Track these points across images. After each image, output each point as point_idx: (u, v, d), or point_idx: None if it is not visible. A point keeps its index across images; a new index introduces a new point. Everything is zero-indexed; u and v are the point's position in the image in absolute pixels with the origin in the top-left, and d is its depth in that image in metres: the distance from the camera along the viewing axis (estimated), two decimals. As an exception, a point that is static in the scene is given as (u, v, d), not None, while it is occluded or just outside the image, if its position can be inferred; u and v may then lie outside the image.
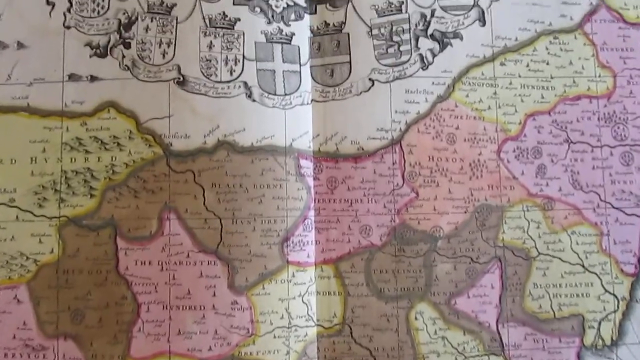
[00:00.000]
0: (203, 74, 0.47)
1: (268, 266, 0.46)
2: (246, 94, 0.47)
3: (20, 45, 0.48)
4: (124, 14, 0.48)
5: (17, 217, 0.46)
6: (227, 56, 0.47)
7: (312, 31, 0.49)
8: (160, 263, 0.45)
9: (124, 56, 0.47)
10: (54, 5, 0.48)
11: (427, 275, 0.47)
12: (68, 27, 0.48)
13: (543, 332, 0.48)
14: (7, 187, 0.47)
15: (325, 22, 0.49)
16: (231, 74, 0.47)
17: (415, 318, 0.47)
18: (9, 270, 0.46)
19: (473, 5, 0.50)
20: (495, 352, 0.47)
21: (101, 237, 0.46)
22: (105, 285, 0.46)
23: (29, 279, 0.46)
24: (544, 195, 0.49)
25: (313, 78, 0.48)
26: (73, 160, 0.47)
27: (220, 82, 0.47)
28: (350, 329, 0.47)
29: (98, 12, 0.48)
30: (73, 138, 0.47)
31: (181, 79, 0.46)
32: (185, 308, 0.45)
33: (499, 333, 0.47)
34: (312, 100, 0.48)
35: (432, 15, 0.49)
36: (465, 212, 0.48)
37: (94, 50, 0.47)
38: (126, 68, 0.47)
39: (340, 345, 0.47)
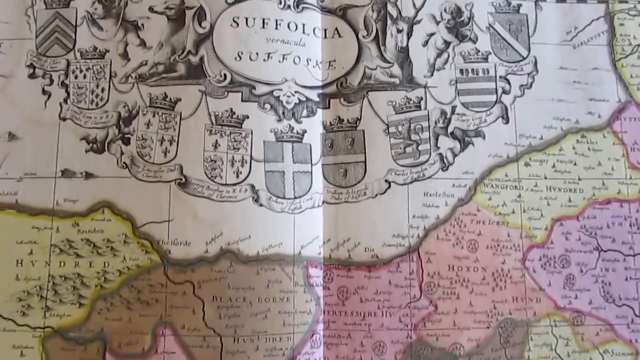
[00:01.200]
0: (207, 175, 0.38)
1: (272, 390, 0.37)
2: (253, 198, 0.38)
3: (11, 136, 0.40)
4: (124, 107, 0.40)
5: (-2, 326, 0.38)
6: (233, 156, 0.38)
7: (324, 127, 0.41)
8: (152, 385, 0.36)
9: (122, 152, 0.39)
10: (50, 95, 0.40)
11: (446, 398, 0.38)
12: (64, 119, 0.40)
13: None
14: (-11, 292, 0.38)
15: (339, 117, 0.41)
16: (237, 176, 0.38)
17: None
18: (-15, 387, 0.37)
19: (496, 102, 0.42)
20: None
21: (89, 352, 0.37)
22: (90, 408, 0.37)
23: (7, 398, 0.37)
24: (573, 308, 0.40)
25: (325, 178, 0.40)
26: (62, 264, 0.38)
27: (225, 184, 0.38)
28: None
29: (97, 104, 0.40)
30: (63, 240, 0.38)
31: (183, 180, 0.38)
32: None
33: None
34: (323, 202, 0.40)
35: (453, 112, 0.41)
36: (488, 328, 0.39)
37: (91, 144, 0.39)
38: (124, 166, 0.39)
39: None
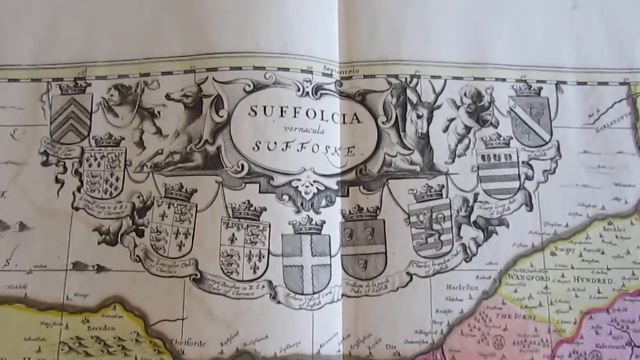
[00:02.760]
0: (223, 271, 0.37)
1: None
2: (270, 294, 0.37)
3: (22, 226, 0.39)
4: (138, 197, 0.39)
5: None
6: (250, 251, 0.37)
7: (343, 216, 0.39)
8: None
9: (135, 245, 0.38)
10: (63, 183, 0.39)
11: None
12: (77, 209, 0.39)
13: None
14: (-7, 392, 0.36)
15: (359, 206, 0.39)
16: (254, 271, 0.37)
17: None
18: None
19: (519, 188, 0.41)
20: None
21: None
22: None
23: None
24: (606, 410, 0.38)
25: (344, 269, 0.39)
26: (71, 364, 0.36)
27: (242, 280, 0.37)
28: None
29: (110, 194, 0.39)
30: (73, 337, 0.37)
31: (198, 275, 0.37)
32: None
33: None
34: (342, 296, 0.38)
35: (475, 199, 0.40)
36: None
37: (103, 236, 0.38)
38: (137, 259, 0.38)
39: None
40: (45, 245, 0.38)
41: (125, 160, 0.39)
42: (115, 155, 0.39)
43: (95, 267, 0.38)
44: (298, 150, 0.39)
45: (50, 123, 0.40)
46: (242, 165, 0.38)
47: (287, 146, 0.39)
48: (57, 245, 0.38)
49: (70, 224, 0.38)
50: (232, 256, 0.37)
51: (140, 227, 0.38)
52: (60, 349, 0.37)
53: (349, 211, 0.39)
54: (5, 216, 0.39)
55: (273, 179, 0.38)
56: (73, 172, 0.39)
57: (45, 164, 0.40)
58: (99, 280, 0.37)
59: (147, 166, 0.39)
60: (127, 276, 0.37)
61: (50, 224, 0.39)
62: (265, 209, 0.38)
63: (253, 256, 0.37)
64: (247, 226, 0.37)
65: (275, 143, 0.39)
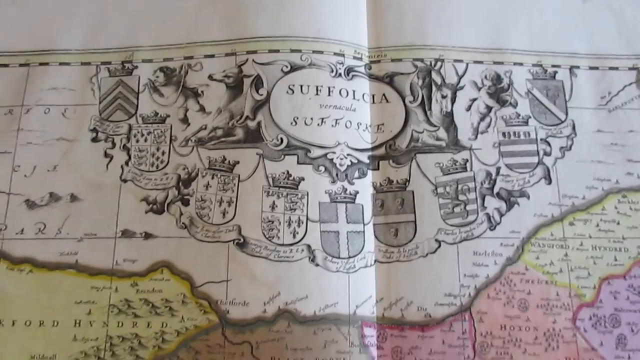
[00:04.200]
0: (265, 235, 0.40)
1: None
2: (309, 257, 0.39)
3: (73, 198, 0.41)
4: (184, 169, 0.41)
5: (54, 389, 0.38)
6: (290, 217, 0.40)
7: (375, 188, 0.42)
8: None
9: (181, 213, 0.40)
10: (111, 158, 0.42)
11: None
12: (125, 181, 0.42)
13: None
14: (47, 353, 0.38)
15: (389, 178, 0.42)
16: (294, 236, 0.40)
17: None
18: None
19: (538, 164, 0.44)
20: None
21: (145, 418, 0.37)
22: None
23: None
24: (626, 369, 0.40)
25: (376, 237, 0.41)
26: (120, 324, 0.39)
27: (282, 245, 0.39)
28: None
29: (157, 167, 0.42)
30: (122, 300, 0.39)
31: (241, 240, 0.39)
32: None
33: None
34: (375, 261, 0.41)
35: (498, 173, 0.43)
36: (543, 389, 0.39)
37: (151, 205, 0.41)
38: (183, 226, 0.40)
39: None
40: (95, 215, 0.41)
41: (171, 136, 0.42)
42: (161, 131, 0.42)
43: (143, 234, 0.40)
44: (332, 125, 0.42)
45: (100, 102, 0.44)
46: (281, 138, 0.41)
47: (322, 122, 0.42)
48: (107, 215, 0.41)
49: (119, 195, 0.41)
50: (272, 222, 0.40)
51: (185, 197, 0.41)
52: (110, 312, 0.39)
53: (380, 183, 0.42)
54: (57, 188, 0.42)
55: (310, 152, 0.41)
56: (121, 147, 0.42)
57: (94, 140, 0.43)
58: (146, 246, 0.40)
59: (191, 141, 0.42)
60: (174, 242, 0.40)
61: (100, 195, 0.41)
62: (303, 179, 0.41)
63: (292, 222, 0.40)
64: (287, 194, 0.40)
65: (311, 119, 0.42)
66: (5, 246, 0.40)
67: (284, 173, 0.41)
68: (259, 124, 0.42)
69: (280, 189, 0.40)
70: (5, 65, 0.45)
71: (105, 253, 0.40)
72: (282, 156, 0.41)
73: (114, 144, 0.42)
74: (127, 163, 0.42)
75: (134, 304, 0.39)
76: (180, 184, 0.41)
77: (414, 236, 0.41)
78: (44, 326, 0.39)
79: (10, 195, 0.41)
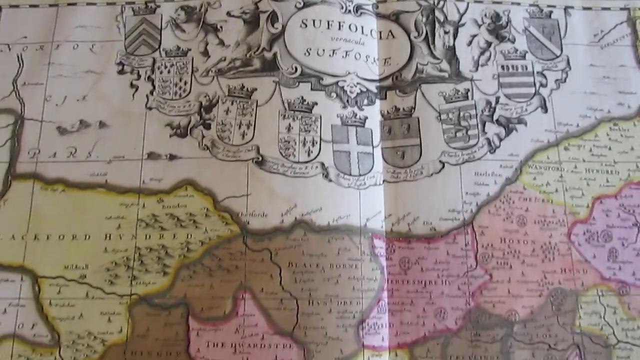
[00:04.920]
0: (281, 154, 0.43)
1: (344, 350, 0.40)
2: (323, 174, 0.43)
3: (102, 124, 0.44)
4: (205, 97, 0.45)
5: (87, 294, 0.41)
6: (304, 138, 0.43)
7: (382, 115, 0.45)
8: (233, 345, 0.39)
9: (203, 136, 0.44)
10: (137, 88, 0.45)
11: (505, 362, 0.41)
12: (150, 109, 0.45)
13: None
14: (79, 263, 0.42)
15: (396, 107, 0.46)
16: (309, 154, 0.43)
17: (496, 409, 0.40)
18: (74, 351, 0.40)
19: (535, 94, 0.47)
20: None
21: (173, 317, 0.40)
22: (174, 369, 0.39)
23: (95, 360, 0.40)
24: (617, 279, 0.43)
25: (384, 159, 0.44)
26: (148, 237, 0.42)
27: (298, 162, 0.43)
28: (428, 421, 0.40)
29: (180, 95, 0.45)
30: (149, 215, 0.42)
31: (260, 159, 0.43)
32: (258, 396, 0.39)
33: None
34: (384, 181, 0.44)
35: (497, 102, 0.46)
36: (540, 296, 0.42)
37: (174, 130, 0.44)
38: (205, 148, 0.43)
39: None
40: (122, 140, 0.44)
41: (192, 67, 0.45)
42: (183, 64, 0.46)
43: (168, 156, 0.43)
44: (343, 57, 0.45)
45: (125, 39, 0.47)
46: (296, 67, 0.45)
47: (333, 53, 0.45)
48: (133, 139, 0.44)
49: (144, 121, 0.44)
50: (289, 142, 0.43)
51: (207, 121, 0.44)
52: (138, 225, 0.42)
53: (387, 111, 0.46)
54: (87, 116, 0.45)
55: (322, 79, 0.44)
56: (146, 79, 0.46)
57: (120, 72, 0.46)
58: (171, 166, 0.43)
59: (211, 71, 0.45)
60: (197, 162, 0.43)
61: (127, 122, 0.44)
62: (316, 104, 0.44)
63: (307, 142, 0.43)
64: (302, 117, 0.44)
65: (323, 50, 0.45)
66: (39, 168, 0.44)
67: (298, 98, 0.44)
68: (274, 54, 0.45)
69: (295, 112, 0.44)
70: (36, 6, 0.48)
71: (133, 173, 0.43)
72: (297, 83, 0.44)
73: (139, 76, 0.46)
74: (151, 93, 0.45)
75: (160, 218, 0.42)
76: (202, 110, 0.44)
77: (419, 158, 0.44)
78: (76, 240, 0.42)
79: (43, 122, 0.45)
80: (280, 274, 0.40)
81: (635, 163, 0.46)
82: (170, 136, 0.44)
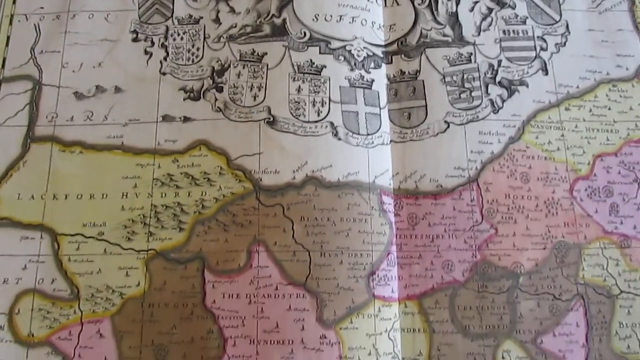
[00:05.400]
0: (292, 114, 0.44)
1: (355, 300, 0.41)
2: (332, 133, 0.44)
3: (117, 89, 0.46)
4: (217, 61, 0.46)
5: (105, 250, 0.42)
6: (314, 99, 0.45)
7: (388, 79, 0.47)
8: (248, 296, 0.41)
9: (216, 99, 0.45)
10: (151, 55, 0.47)
11: (511, 312, 0.42)
12: (164, 74, 0.46)
13: (634, 374, 0.42)
14: (97, 221, 0.43)
15: (401, 70, 0.47)
16: (318, 114, 0.44)
17: (502, 357, 0.41)
18: (93, 304, 0.41)
19: (535, 57, 0.48)
20: (587, 395, 0.41)
21: (189, 270, 0.42)
22: (191, 320, 0.41)
23: (114, 312, 0.41)
24: (619, 233, 0.45)
25: (391, 120, 0.46)
26: (163, 195, 0.43)
27: (308, 122, 0.44)
28: (437, 368, 0.41)
29: (192, 60, 0.46)
30: (164, 174, 0.44)
31: (271, 119, 0.44)
32: (273, 342, 0.40)
33: (588, 374, 0.42)
34: (391, 141, 0.45)
35: (499, 65, 0.48)
36: (544, 249, 0.44)
37: (188, 94, 0.45)
38: (218, 110, 0.45)
39: (428, 386, 0.41)
40: (137, 104, 0.45)
41: (204, 34, 0.47)
42: (196, 31, 0.47)
43: (182, 118, 0.45)
44: (350, 22, 0.47)
45: (139, 8, 0.48)
46: (305, 32, 0.46)
47: (340, 19, 0.47)
48: (148, 103, 0.45)
49: (158, 86, 0.46)
50: (299, 103, 0.45)
51: (219, 85, 0.45)
52: (154, 184, 0.44)
53: (393, 75, 0.47)
54: (102, 82, 0.46)
55: (330, 43, 0.46)
56: (159, 46, 0.47)
57: (135, 40, 0.47)
58: (185, 128, 0.45)
59: (223, 37, 0.47)
60: (210, 123, 0.45)
61: (141, 87, 0.46)
62: (325, 66, 0.45)
63: (317, 102, 0.45)
64: (311, 79, 0.45)
65: (330, 16, 0.47)
66: (57, 131, 0.45)
67: (307, 61, 0.45)
68: (284, 20, 0.46)
69: (305, 75, 0.45)
70: (52, -21, 0.49)
71: (148, 135, 0.45)
72: (306, 47, 0.46)
73: (152, 43, 0.47)
74: (165, 59, 0.47)
75: (175, 177, 0.44)
76: (214, 74, 0.46)
77: (425, 119, 0.46)
78: (94, 199, 0.43)
79: (60, 88, 0.46)
80: (292, 227, 0.42)
81: (634, 122, 0.47)
82: (184, 99, 0.45)
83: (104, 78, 0.46)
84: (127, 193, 0.43)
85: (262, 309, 0.40)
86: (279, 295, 0.40)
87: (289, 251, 0.41)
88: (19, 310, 0.41)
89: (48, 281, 0.42)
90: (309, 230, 0.42)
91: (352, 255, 0.41)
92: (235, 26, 0.47)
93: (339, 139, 0.44)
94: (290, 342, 0.40)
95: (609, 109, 0.48)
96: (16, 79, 0.46)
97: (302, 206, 0.42)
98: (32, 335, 0.41)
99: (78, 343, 0.41)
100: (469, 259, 0.43)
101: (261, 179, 0.43)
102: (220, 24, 0.47)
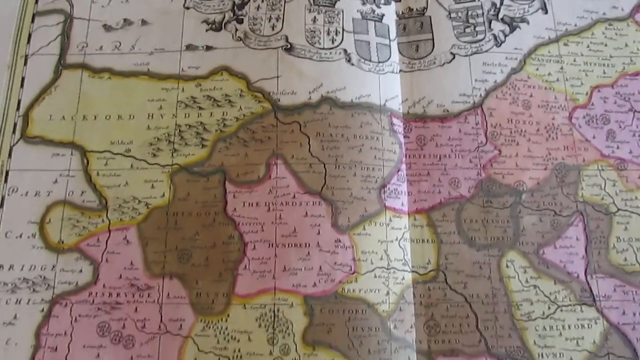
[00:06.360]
0: (308, 42, 0.47)
1: (368, 209, 0.43)
2: (346, 59, 0.47)
3: (143, 22, 0.49)
4: (237, -4, 0.50)
5: (131, 165, 0.45)
6: (329, 28, 0.48)
7: (397, 15, 0.50)
8: (267, 204, 0.43)
9: (236, 29, 0.48)
10: (175, -9, 0.50)
11: (514, 225, 0.45)
12: (187, 8, 0.49)
13: (632, 285, 0.44)
14: (124, 139, 0.46)
15: (409, 7, 0.50)
16: (332, 42, 0.47)
17: (507, 266, 0.44)
18: (120, 213, 0.44)
19: (536, -2, 0.52)
20: (587, 303, 0.43)
21: (211, 182, 0.44)
22: (213, 226, 0.43)
23: (140, 221, 0.44)
24: (616, 157, 0.47)
25: (400, 52, 0.49)
26: (187, 115, 0.46)
27: (323, 48, 0.47)
28: (445, 275, 0.43)
29: (214, -5, 0.50)
30: (188, 97, 0.47)
31: (289, 46, 0.47)
32: (291, 246, 0.42)
33: (588, 283, 0.44)
34: (400, 70, 0.48)
35: (501, 3, 0.51)
36: (545, 169, 0.46)
37: (210, 25, 0.49)
38: (239, 39, 0.48)
39: (436, 292, 0.43)
40: (162, 35, 0.49)
41: (225, -28, 0.50)
42: (217, -31, 0.51)
43: (205, 47, 0.48)
44: (362, -38, 0.50)
45: (163, -50, 0.52)
46: (320, -31, 0.50)
47: (353, -42, 0.50)
48: (173, 34, 0.49)
49: (182, 19, 0.49)
50: (314, 32, 0.48)
51: (240, 17, 0.49)
52: (178, 106, 0.47)
53: (402, 12, 0.50)
54: (130, 15, 0.49)
55: (344, -21, 0.50)
56: (183, -17, 0.51)
57: (160, -22, 0.51)
58: (208, 56, 0.48)
59: (243, -25, 0.50)
60: (231, 51, 0.48)
61: (166, 19, 0.49)
62: (339, 0, 0.49)
63: (331, 32, 0.48)
64: (326, 11, 0.48)
65: (343, -44, 0.50)
66: (87, 59, 0.48)
67: (322, -6, 0.49)
68: (300, -41, 0.50)
69: (320, 7, 0.48)
70: None
71: (173, 63, 0.48)
72: (321, -18, 0.49)
73: (177, -20, 0.51)
74: (188, -6, 0.50)
75: (198, 99, 0.47)
76: (235, 7, 0.49)
77: (432, 50, 0.49)
78: (121, 119, 0.46)
79: (90, 21, 0.49)
80: (308, 142, 0.45)
81: (629, 57, 0.50)
82: (206, 30, 0.48)
83: (131, 12, 0.49)
84: (152, 114, 0.46)
85: (280, 215, 0.43)
86: (296, 203, 0.43)
87: (306, 163, 0.44)
88: (49, 220, 0.44)
89: (78, 193, 0.44)
90: (324, 145, 0.45)
91: (364, 168, 0.44)
92: (254, -35, 0.50)
93: (352, 64, 0.47)
94: (307, 245, 0.42)
95: (605, 45, 0.51)
96: (49, 12, 0.50)
97: (318, 123, 0.45)
98: (62, 242, 0.43)
99: (106, 249, 0.43)
100: (474, 176, 0.46)
101: (279, 100, 0.46)
102: (240, -37, 0.51)
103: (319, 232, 0.42)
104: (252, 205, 0.43)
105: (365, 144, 0.45)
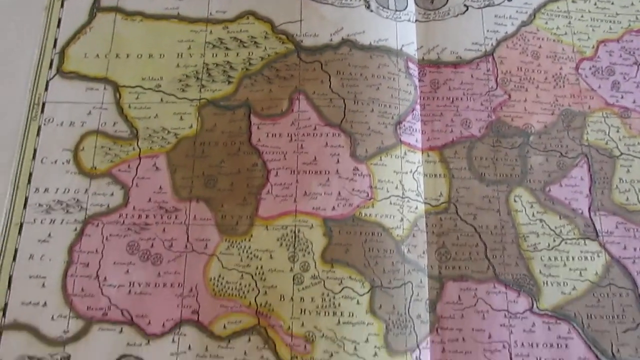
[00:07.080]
0: (330, -11, 0.51)
1: (384, 142, 0.46)
2: (365, 5, 0.50)
3: None
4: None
5: (161, 99, 0.48)
6: (349, -22, 0.51)
7: (414, -25, 0.53)
8: (289, 135, 0.46)
9: (262, -21, 0.51)
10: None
11: (522, 164, 0.47)
12: None
13: (633, 222, 0.46)
14: (155, 75, 0.49)
15: (425, -33, 0.54)
16: (353, -10, 0.51)
17: (514, 200, 0.46)
18: (150, 142, 0.47)
19: (546, -42, 0.55)
20: (590, 237, 0.46)
21: (236, 115, 0.47)
22: (238, 155, 0.46)
23: (169, 149, 0.46)
24: (620, 105, 0.50)
25: (416, 3, 0.52)
26: (214, 55, 0.49)
27: (345, -7, 0.50)
28: (456, 207, 0.46)
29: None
30: (215, 38, 0.50)
31: (311, -8, 0.50)
32: (311, 173, 0.45)
33: (591, 219, 0.46)
34: (416, 20, 0.51)
35: (513, -38, 0.54)
36: (552, 114, 0.49)
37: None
38: (265, -6, 0.51)
39: (447, 222, 0.46)
40: (192, -18, 0.52)
41: None
42: None
43: (232, -7, 0.51)
44: None
45: None
46: None
47: None
48: (202, -18, 0.52)
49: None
50: (336, -19, 0.51)
51: (265, -34, 0.52)
52: (206, 47, 0.49)
53: (419, -33, 0.53)
54: (162, -36, 0.53)
55: None
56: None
57: None
58: (235, 1, 0.51)
59: None
60: (257, -3, 0.51)
61: None
62: (359, -47, 0.52)
63: (352, -20, 0.51)
64: (347, -39, 0.51)
65: None
66: (120, 3, 0.51)
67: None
68: None
69: (341, -40, 0.52)
70: None
71: (201, 7, 0.51)
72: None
73: None
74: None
75: (225, 40, 0.50)
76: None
77: (446, 2, 0.52)
78: (152, 58, 0.49)
79: (124, -32, 0.53)
80: (329, 79, 0.47)
81: (635, 15, 0.53)
82: (234, -20, 0.52)
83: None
84: (181, 54, 0.49)
85: (301, 145, 0.46)
86: (316, 134, 0.46)
87: (326, 98, 0.47)
88: (83, 148, 0.47)
89: (110, 124, 0.47)
90: (344, 82, 0.47)
91: (381, 105, 0.47)
92: None
93: (371, 10, 0.50)
94: (327, 172, 0.45)
95: (612, 3, 0.54)
96: (85, -40, 0.53)
97: (338, 63, 0.48)
98: (95, 168, 0.46)
99: (136, 174, 0.46)
100: (484, 118, 0.49)
101: (302, 41, 0.49)
102: None
103: (338, 160, 0.45)
104: (275, 135, 0.46)
105: (382, 83, 0.48)
